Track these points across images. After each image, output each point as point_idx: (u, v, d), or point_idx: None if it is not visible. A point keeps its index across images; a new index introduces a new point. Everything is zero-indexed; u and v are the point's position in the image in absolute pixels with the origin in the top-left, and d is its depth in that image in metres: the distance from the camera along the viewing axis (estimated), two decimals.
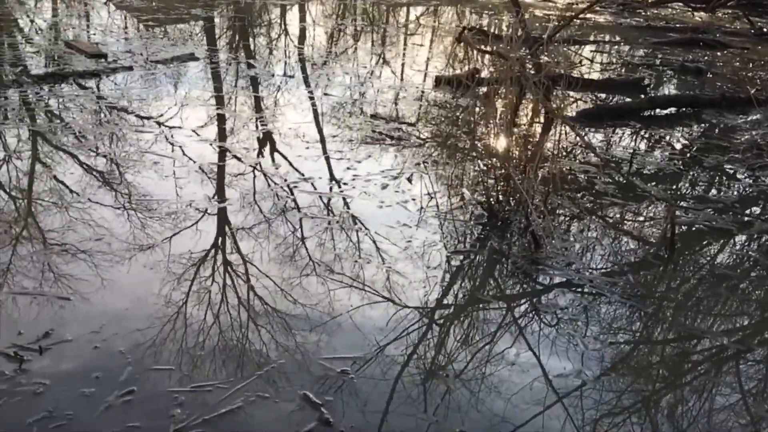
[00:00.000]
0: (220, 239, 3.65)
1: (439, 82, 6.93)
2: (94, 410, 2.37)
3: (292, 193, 4.24)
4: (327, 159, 4.84)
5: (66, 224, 3.60)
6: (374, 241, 3.72)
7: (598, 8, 11.50)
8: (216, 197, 4.08)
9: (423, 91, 6.82)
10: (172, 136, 4.97)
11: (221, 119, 5.49)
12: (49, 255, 3.28)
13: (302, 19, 10.83)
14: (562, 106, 5.38)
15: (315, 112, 5.92)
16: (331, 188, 4.35)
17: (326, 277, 3.34)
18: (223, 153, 4.77)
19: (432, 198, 4.36)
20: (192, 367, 2.63)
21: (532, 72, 4.44)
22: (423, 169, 4.76)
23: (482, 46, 6.36)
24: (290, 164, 4.68)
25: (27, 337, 2.70)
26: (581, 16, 8.03)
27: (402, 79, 7.34)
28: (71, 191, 4.00)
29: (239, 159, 4.69)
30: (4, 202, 3.84)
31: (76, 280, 3.11)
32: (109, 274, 3.18)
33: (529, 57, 4.45)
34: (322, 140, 5.22)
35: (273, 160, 4.78)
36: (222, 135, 5.14)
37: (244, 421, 2.39)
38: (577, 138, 5.17)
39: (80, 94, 5.79)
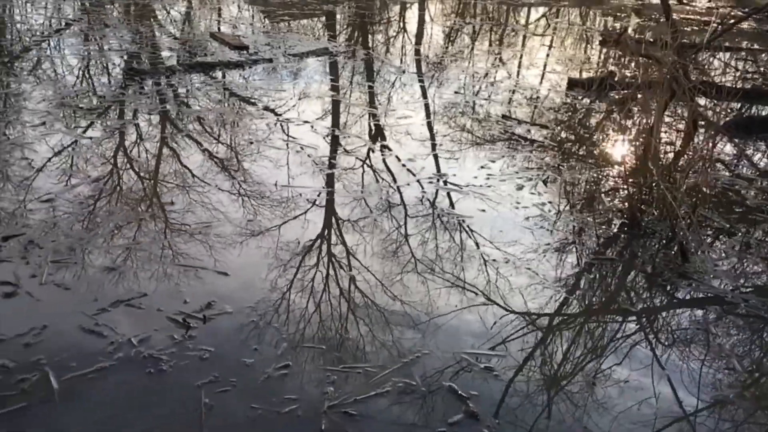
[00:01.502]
0: (330, 230, 3.76)
1: (572, 84, 6.77)
2: (254, 380, 2.51)
3: (422, 190, 4.29)
4: (458, 158, 4.85)
5: (187, 206, 3.80)
6: (508, 243, 3.69)
7: (743, 14, 10.80)
8: (324, 187, 4.21)
9: (555, 93, 6.69)
10: (289, 127, 5.14)
11: (344, 113, 5.64)
12: (202, 233, 3.51)
13: (423, 17, 10.90)
14: (716, 115, 5.11)
15: (441, 110, 5.95)
16: (467, 186, 4.36)
17: (460, 275, 3.36)
18: (336, 146, 4.89)
19: (569, 202, 4.27)
20: (341, 348, 2.73)
21: (684, 78, 4.24)
22: (559, 172, 4.67)
23: (634, 50, 6.13)
24: (399, 161, 4.74)
25: (192, 306, 2.90)
26: (724, 21, 7.57)
27: (530, 80, 7.23)
28: (193, 175, 4.22)
29: (349, 152, 4.78)
30: (138, 182, 4.14)
31: (227, 257, 3.31)
32: (257, 254, 3.36)
33: (684, 63, 4.25)
34: (432, 138, 5.23)
35: (387, 155, 4.85)
36: (340, 128, 5.27)
37: (394, 406, 2.46)
38: (730, 148, 4.89)
39: (220, 82, 6.13)
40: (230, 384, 2.48)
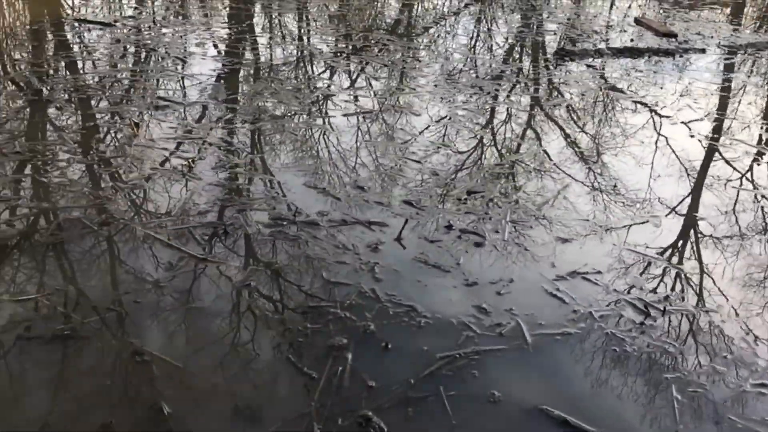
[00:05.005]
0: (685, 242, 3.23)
1: None
2: (728, 389, 2.34)
3: None
4: None
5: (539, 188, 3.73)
6: None
7: None
8: (688, 198, 3.70)
9: None
10: (663, 125, 4.68)
11: (730, 117, 4.89)
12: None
13: None
14: None
15: None
16: None
17: None
18: (712, 151, 4.27)
19: None
20: None
21: None
22: None
23: None
24: None
25: (650, 295, 2.83)
26: None
27: None
28: (550, 159, 4.12)
29: (728, 162, 4.14)
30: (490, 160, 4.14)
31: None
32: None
33: None
34: None
35: None
36: (722, 132, 4.61)
37: None
38: None
39: (636, 69, 5.87)
40: (701, 387, 2.35)
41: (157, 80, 4.96)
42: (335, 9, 7.55)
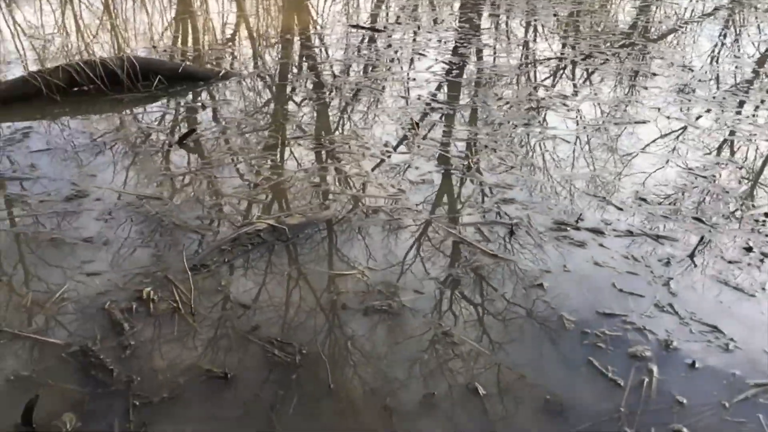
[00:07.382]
0: None
1: None
2: None
3: None
4: None
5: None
6: None
7: None
8: None
9: None
10: None
11: None
12: None
13: None
14: None
15: None
16: None
17: None
18: None
19: None
20: None
21: None
22: None
23: None
24: None
25: None
26: None
27: None
28: None
29: None
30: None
31: None
32: None
33: None
34: None
35: None
36: None
37: None
38: None
39: None
40: None
41: (428, 82, 5.26)
42: (565, 15, 7.41)
